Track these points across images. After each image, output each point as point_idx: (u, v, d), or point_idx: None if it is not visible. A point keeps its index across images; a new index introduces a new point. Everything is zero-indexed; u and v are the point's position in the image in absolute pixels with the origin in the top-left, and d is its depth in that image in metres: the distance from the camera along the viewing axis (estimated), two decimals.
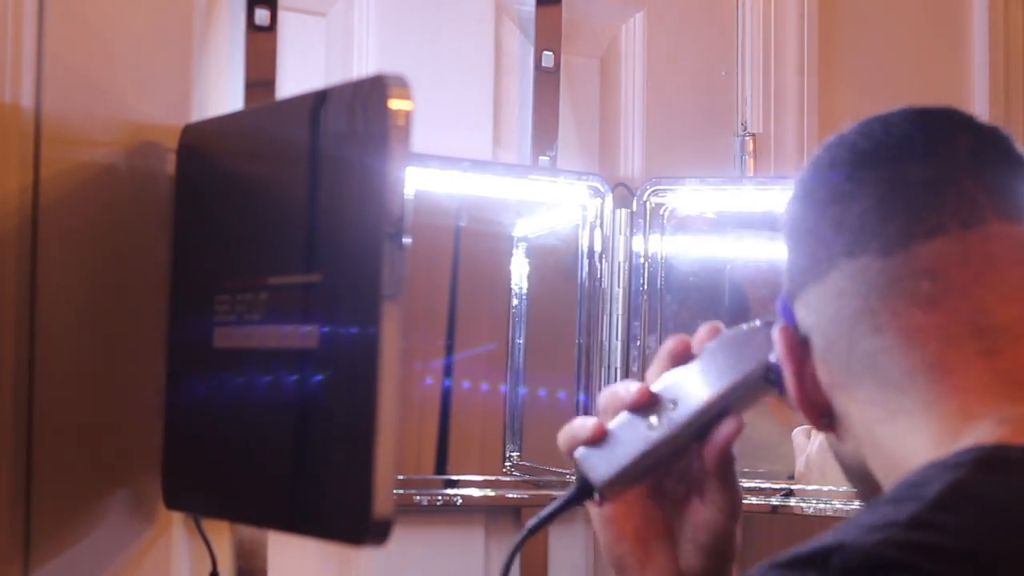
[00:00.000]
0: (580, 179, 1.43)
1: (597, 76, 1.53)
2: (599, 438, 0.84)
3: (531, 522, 0.87)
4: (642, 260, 1.43)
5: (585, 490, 0.84)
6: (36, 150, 1.15)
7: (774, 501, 1.41)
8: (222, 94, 1.28)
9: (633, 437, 0.83)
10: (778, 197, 1.40)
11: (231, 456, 1.10)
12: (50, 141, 1.16)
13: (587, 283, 1.43)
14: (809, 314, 0.75)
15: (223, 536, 1.25)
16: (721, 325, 0.85)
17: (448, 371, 1.40)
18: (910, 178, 0.72)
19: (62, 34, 1.17)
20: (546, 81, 1.46)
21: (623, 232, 1.43)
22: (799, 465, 1.30)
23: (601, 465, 0.83)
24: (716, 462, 0.82)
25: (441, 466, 1.39)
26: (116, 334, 1.19)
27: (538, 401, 1.43)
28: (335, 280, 0.98)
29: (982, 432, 0.66)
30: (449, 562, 1.40)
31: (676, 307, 1.44)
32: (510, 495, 1.40)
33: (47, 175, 1.16)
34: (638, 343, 1.42)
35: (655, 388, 0.84)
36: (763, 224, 1.45)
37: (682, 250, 1.46)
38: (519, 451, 1.43)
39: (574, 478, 0.85)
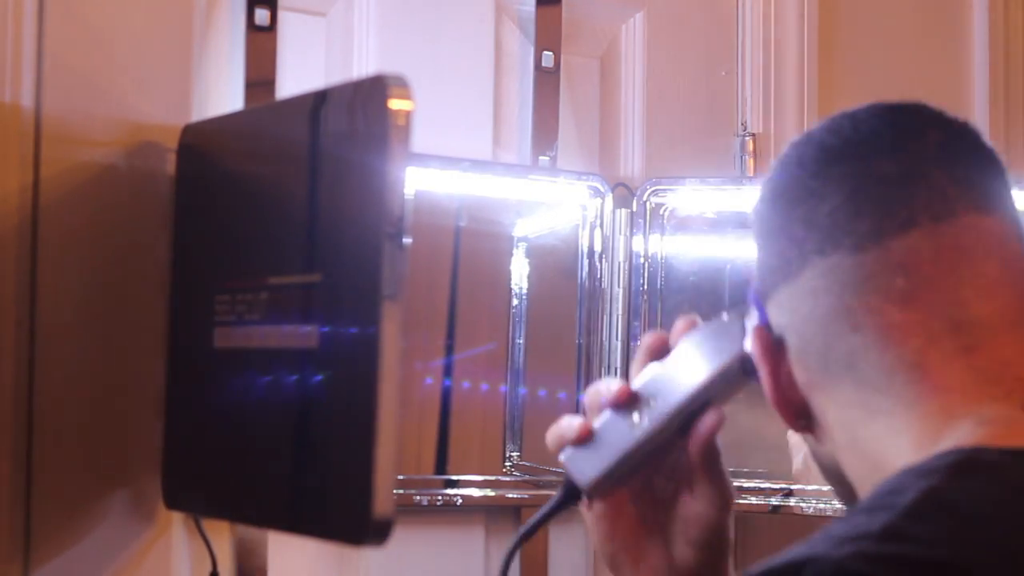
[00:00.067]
0: (580, 179, 1.43)
1: (597, 76, 1.53)
2: (584, 438, 0.84)
3: (523, 528, 0.87)
4: (642, 260, 1.43)
5: (572, 493, 0.84)
6: (36, 150, 1.15)
7: (774, 501, 1.41)
8: (222, 94, 1.28)
9: (616, 436, 0.83)
10: None
11: (231, 456, 1.10)
12: (50, 141, 1.16)
13: (587, 283, 1.43)
14: (782, 314, 0.74)
15: (223, 536, 1.25)
16: (697, 318, 0.85)
17: (448, 371, 1.40)
18: (879, 174, 0.71)
19: (62, 34, 1.17)
20: (546, 81, 1.46)
21: (623, 232, 1.43)
22: (796, 463, 1.30)
23: (586, 467, 0.83)
24: (701, 455, 0.82)
25: (441, 466, 1.39)
26: (116, 334, 1.19)
27: (538, 401, 1.43)
28: (335, 280, 0.98)
29: (962, 434, 0.66)
30: (449, 562, 1.40)
31: (676, 307, 1.44)
32: (510, 495, 1.40)
33: (47, 175, 1.16)
34: (638, 343, 1.42)
35: (635, 385, 0.84)
36: None
37: (682, 250, 1.46)
38: (519, 451, 1.43)
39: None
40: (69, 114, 1.17)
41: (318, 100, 1.03)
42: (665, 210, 1.45)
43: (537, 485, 1.41)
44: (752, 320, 0.77)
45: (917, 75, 1.68)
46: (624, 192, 1.45)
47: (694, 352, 0.82)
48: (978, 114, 1.66)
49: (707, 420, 0.81)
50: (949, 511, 0.60)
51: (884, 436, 0.69)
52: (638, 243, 1.43)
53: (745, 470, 1.37)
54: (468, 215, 1.42)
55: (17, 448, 1.14)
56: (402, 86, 0.92)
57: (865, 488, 0.71)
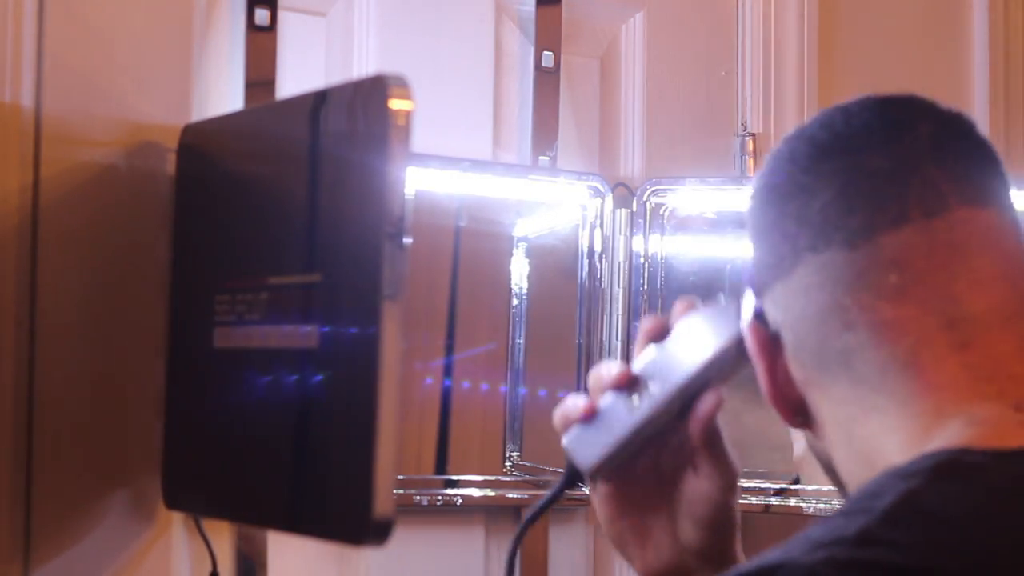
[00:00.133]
0: (580, 179, 1.43)
1: (597, 76, 1.53)
2: (588, 416, 0.84)
3: (529, 512, 0.88)
4: (642, 260, 1.43)
5: (574, 476, 0.85)
6: (36, 150, 1.15)
7: (774, 501, 1.41)
8: (222, 94, 1.28)
9: (616, 419, 0.84)
10: None
11: (231, 456, 1.10)
12: (50, 141, 1.16)
13: (587, 283, 1.43)
14: (777, 310, 0.74)
15: (223, 536, 1.25)
16: (696, 300, 0.85)
17: (448, 371, 1.40)
18: (871, 168, 0.71)
19: (62, 34, 1.17)
20: (546, 81, 1.46)
21: (623, 232, 1.43)
22: (797, 450, 1.29)
23: (587, 450, 0.84)
24: (701, 436, 0.82)
25: (441, 466, 1.39)
26: (116, 334, 1.19)
27: (538, 401, 1.43)
28: (335, 280, 0.98)
29: (951, 434, 0.65)
30: (449, 562, 1.40)
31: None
32: (510, 495, 1.40)
33: (47, 175, 1.16)
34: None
35: (635, 368, 0.84)
36: None
37: (682, 250, 1.46)
38: (519, 451, 1.43)
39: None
40: (69, 114, 1.17)
41: (318, 100, 1.03)
42: (665, 210, 1.45)
43: (537, 485, 1.41)
44: (748, 302, 0.77)
45: (917, 75, 1.68)
46: (624, 192, 1.45)
47: (692, 334, 0.83)
48: (978, 114, 1.66)
49: (705, 401, 0.81)
50: (926, 515, 0.60)
51: (878, 434, 0.69)
52: (638, 243, 1.43)
53: (745, 469, 1.37)
54: (468, 215, 1.42)
55: (17, 448, 1.14)
56: (402, 86, 0.92)
57: (855, 485, 0.71)
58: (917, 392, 0.68)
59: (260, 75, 1.28)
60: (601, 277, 1.43)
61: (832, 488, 0.82)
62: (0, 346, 1.13)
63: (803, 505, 1.40)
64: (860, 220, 0.70)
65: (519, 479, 1.42)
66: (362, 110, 0.97)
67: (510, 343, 1.43)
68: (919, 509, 0.60)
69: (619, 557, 1.47)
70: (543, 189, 1.43)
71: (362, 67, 1.37)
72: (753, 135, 1.55)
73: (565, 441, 0.85)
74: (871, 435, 0.69)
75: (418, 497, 1.34)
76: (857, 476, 0.71)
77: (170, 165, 1.20)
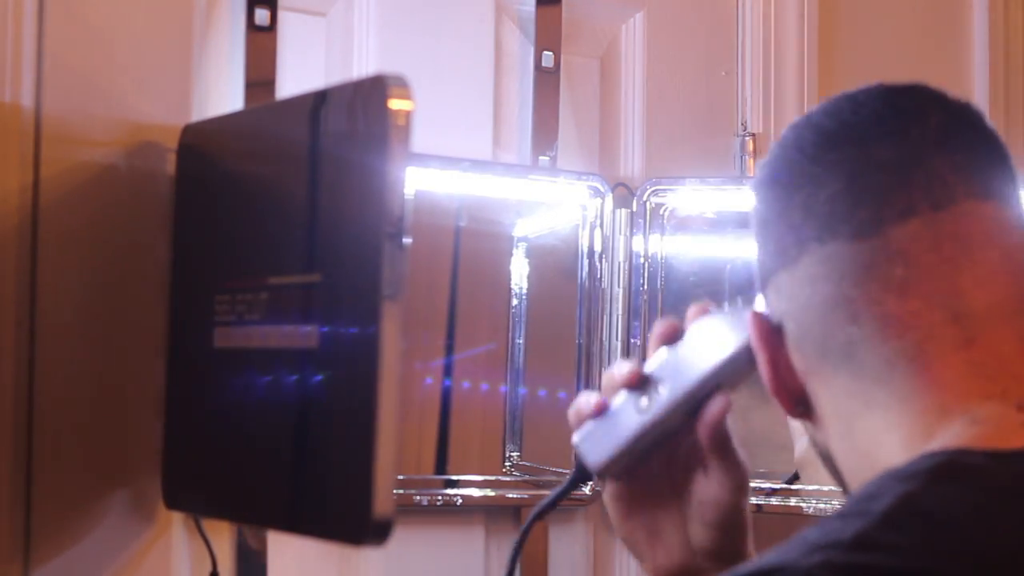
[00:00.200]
0: (580, 179, 1.43)
1: (597, 76, 1.53)
2: (599, 414, 0.85)
3: (536, 508, 0.89)
4: (642, 260, 1.43)
5: (582, 474, 0.86)
6: (36, 150, 1.15)
7: (773, 501, 1.41)
8: (222, 94, 1.28)
9: (625, 420, 0.84)
10: None
11: (231, 456, 1.10)
12: (50, 141, 1.16)
13: (587, 283, 1.43)
14: (781, 300, 0.74)
15: (223, 536, 1.25)
16: (710, 305, 0.85)
17: (448, 371, 1.40)
18: (878, 160, 0.70)
19: (62, 34, 1.17)
20: (546, 81, 1.46)
21: (623, 232, 1.43)
22: (799, 449, 1.29)
23: (596, 449, 0.85)
24: (710, 439, 0.82)
25: (441, 466, 1.39)
26: (116, 334, 1.19)
27: (538, 401, 1.43)
28: (335, 280, 0.98)
29: (953, 434, 0.65)
30: (449, 562, 1.40)
31: (676, 307, 1.44)
32: (510, 495, 1.40)
33: (47, 175, 1.16)
34: (638, 343, 1.42)
35: (647, 369, 0.84)
36: None
37: (682, 250, 1.46)
38: (519, 451, 1.43)
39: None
40: (69, 114, 1.17)
41: (318, 100, 1.03)
42: (665, 210, 1.45)
43: (537, 485, 1.41)
44: (760, 309, 0.77)
45: (917, 75, 1.66)
46: (624, 192, 1.45)
47: (705, 338, 0.83)
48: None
49: (713, 405, 0.81)
50: (924, 518, 0.59)
51: (878, 430, 0.69)
52: (638, 243, 1.43)
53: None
54: (468, 215, 1.42)
55: (17, 448, 1.14)
56: (402, 86, 0.92)
57: (854, 480, 0.71)
58: (920, 389, 0.67)
59: (260, 75, 1.28)
60: (601, 277, 1.43)
61: (832, 488, 0.82)
62: (0, 346, 1.13)
63: (803, 505, 1.40)
64: (867, 213, 0.69)
65: (519, 479, 1.42)
66: (362, 110, 0.97)
67: (510, 343, 1.43)
68: (917, 511, 0.60)
69: (619, 557, 1.48)
70: (543, 189, 1.43)
71: (362, 67, 1.36)
72: (753, 135, 1.55)
73: (575, 439, 0.86)
74: (872, 430, 0.69)
75: (418, 497, 1.34)
76: (856, 471, 0.71)
77: (170, 165, 1.20)
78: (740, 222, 1.48)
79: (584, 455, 0.85)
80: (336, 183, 0.99)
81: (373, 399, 0.90)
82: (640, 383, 0.84)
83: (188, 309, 1.15)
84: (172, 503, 1.17)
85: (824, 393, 0.72)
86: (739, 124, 1.57)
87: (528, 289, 1.43)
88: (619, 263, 1.43)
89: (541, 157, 1.44)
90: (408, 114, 0.92)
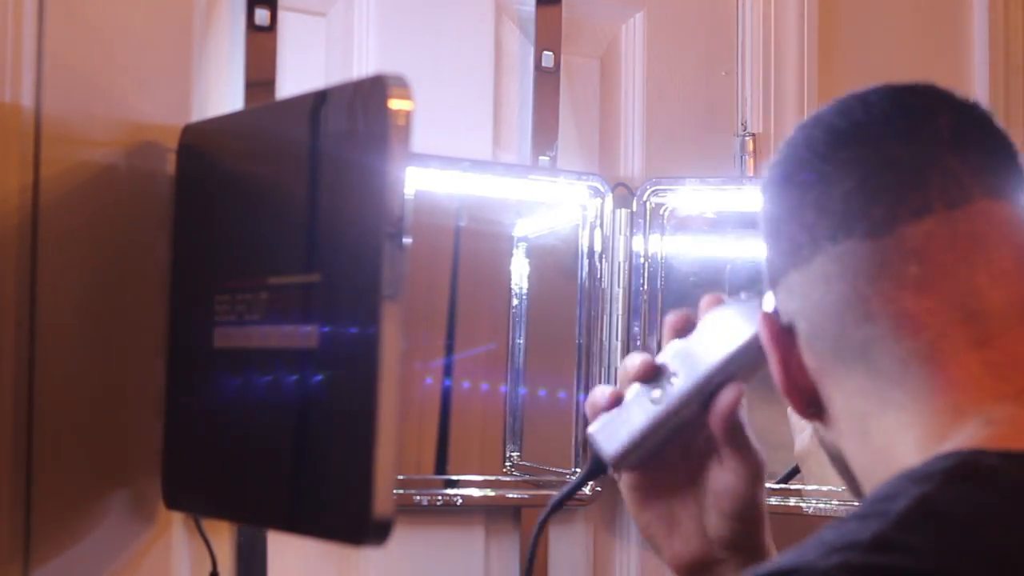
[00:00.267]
0: (580, 179, 1.43)
1: (597, 76, 1.53)
2: (613, 405, 0.86)
3: (553, 499, 0.90)
4: (642, 260, 1.43)
5: (598, 466, 0.87)
6: (36, 150, 1.15)
7: (773, 501, 1.41)
8: (222, 94, 1.28)
9: (639, 411, 0.85)
10: None
11: (231, 456, 1.10)
12: (50, 141, 1.16)
13: (587, 283, 1.43)
14: (792, 299, 0.74)
15: (223, 536, 1.25)
16: (723, 296, 0.85)
17: (448, 371, 1.40)
18: (891, 158, 0.70)
19: (62, 34, 1.17)
20: (546, 81, 1.46)
21: (623, 232, 1.43)
22: (799, 444, 1.29)
23: (611, 441, 0.86)
24: (723, 430, 0.83)
25: (441, 466, 1.39)
26: (116, 334, 1.19)
27: (538, 401, 1.43)
28: (335, 280, 0.98)
29: (967, 435, 0.65)
30: (449, 562, 1.40)
31: (676, 307, 1.43)
32: (510, 495, 1.40)
33: (47, 175, 1.16)
34: (638, 343, 1.42)
35: (659, 360, 0.85)
36: None
37: (682, 250, 1.46)
38: (519, 451, 1.43)
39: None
40: (69, 114, 1.17)
41: (318, 100, 1.03)
42: (665, 210, 1.45)
43: (537, 485, 1.41)
44: (770, 301, 0.77)
45: (917, 75, 1.66)
46: (624, 192, 1.45)
47: (717, 329, 0.83)
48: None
49: (725, 396, 0.82)
50: (940, 519, 0.59)
51: (893, 430, 0.69)
52: (638, 243, 1.43)
53: None
54: (468, 215, 1.42)
55: (17, 448, 1.14)
56: (402, 86, 0.92)
57: (868, 480, 0.71)
58: (936, 388, 0.67)
59: (260, 75, 1.28)
60: (601, 277, 1.43)
61: (832, 488, 0.82)
62: (0, 346, 1.13)
63: (803, 505, 1.40)
64: (882, 211, 0.69)
65: (519, 479, 1.42)
66: (362, 110, 0.97)
67: (510, 343, 1.43)
68: (933, 513, 0.60)
69: (619, 557, 1.48)
70: (543, 189, 1.43)
71: (362, 67, 1.36)
72: (753, 135, 1.55)
73: (590, 430, 0.87)
74: (886, 430, 0.69)
75: (418, 497, 1.34)
76: (869, 470, 0.71)
77: (170, 165, 1.20)
78: (740, 222, 1.48)
79: (599, 446, 0.86)
80: (336, 183, 0.99)
81: (373, 399, 0.90)
82: (654, 374, 0.84)
83: (188, 309, 1.15)
84: (172, 503, 1.17)
85: (837, 393, 0.72)
86: (739, 124, 1.57)
87: (528, 289, 1.43)
88: (619, 263, 1.43)
89: (541, 157, 1.44)
90: (408, 114, 0.92)
